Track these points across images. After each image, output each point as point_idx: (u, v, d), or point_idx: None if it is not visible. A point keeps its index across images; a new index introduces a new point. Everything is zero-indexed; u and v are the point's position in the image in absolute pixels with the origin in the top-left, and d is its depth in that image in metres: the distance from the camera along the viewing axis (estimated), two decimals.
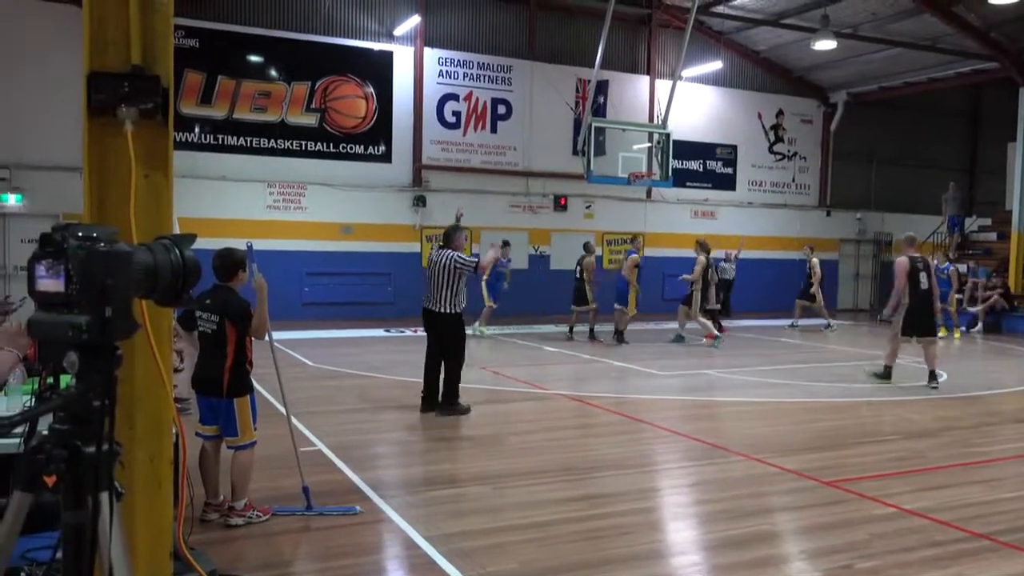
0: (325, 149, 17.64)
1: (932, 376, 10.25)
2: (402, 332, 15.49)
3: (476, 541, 4.59)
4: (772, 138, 22.97)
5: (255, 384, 5.15)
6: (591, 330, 14.97)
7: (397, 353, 12.73)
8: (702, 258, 14.62)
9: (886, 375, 10.43)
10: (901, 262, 10.39)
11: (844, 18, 18.41)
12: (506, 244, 15.47)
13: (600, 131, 16.91)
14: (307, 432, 6.97)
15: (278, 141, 17.22)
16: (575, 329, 15.17)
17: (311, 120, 17.47)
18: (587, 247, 15.30)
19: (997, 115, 22.69)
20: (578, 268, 15.21)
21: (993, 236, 21.85)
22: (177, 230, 3.43)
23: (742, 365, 12.17)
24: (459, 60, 18.83)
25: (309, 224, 17.47)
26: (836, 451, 6.89)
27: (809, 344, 15.26)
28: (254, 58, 17.09)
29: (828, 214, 23.78)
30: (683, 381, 10.68)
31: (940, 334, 13.69)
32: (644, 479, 6.07)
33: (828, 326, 17.36)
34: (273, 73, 17.18)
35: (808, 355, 13.79)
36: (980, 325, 18.09)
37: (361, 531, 4.76)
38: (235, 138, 16.91)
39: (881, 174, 24.54)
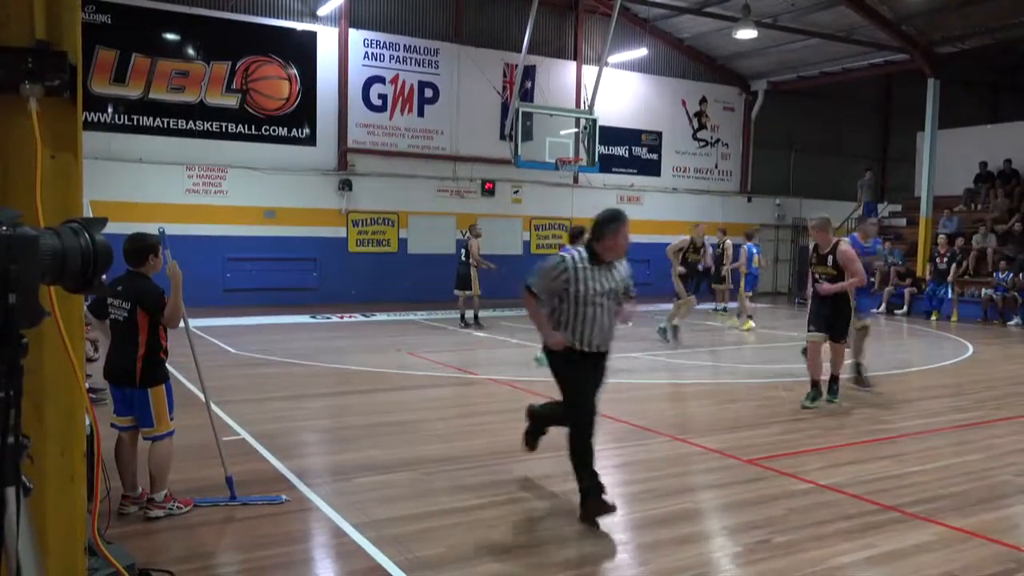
0: (247, 131, 17.19)
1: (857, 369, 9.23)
2: (328, 318, 15.28)
3: (404, 527, 4.57)
4: (696, 125, 23.41)
5: (173, 372, 5.00)
6: (475, 316, 14.74)
7: (323, 340, 12.56)
8: (728, 241, 15.67)
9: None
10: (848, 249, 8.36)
11: (765, 8, 18.85)
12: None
13: (527, 116, 16.94)
14: (230, 421, 6.82)
15: (197, 122, 16.70)
16: (467, 316, 14.73)
17: (232, 101, 16.99)
18: (472, 230, 14.83)
19: (907, 105, 23.63)
20: (463, 252, 14.64)
21: (903, 222, 22.79)
22: (89, 214, 3.30)
23: (668, 348, 12.41)
24: (385, 42, 18.57)
25: (230, 208, 17.03)
26: (755, 430, 7.11)
27: (729, 327, 15.64)
28: (171, 36, 16.50)
29: (749, 200, 24.41)
30: (611, 364, 10.81)
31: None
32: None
33: (724, 310, 17.42)
34: (191, 52, 16.63)
35: (731, 337, 14.16)
36: (883, 306, 18.81)
37: (287, 520, 4.69)
38: (151, 119, 16.33)
39: (799, 161, 25.31)
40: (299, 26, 17.60)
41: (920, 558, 4.27)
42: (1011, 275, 17.31)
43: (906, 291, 18.97)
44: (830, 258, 7.95)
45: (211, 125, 16.86)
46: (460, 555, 4.20)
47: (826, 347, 8.16)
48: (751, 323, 15.09)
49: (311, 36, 17.74)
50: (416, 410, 7.78)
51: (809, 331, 8.29)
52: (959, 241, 19.17)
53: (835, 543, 4.44)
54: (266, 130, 17.41)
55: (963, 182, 21.62)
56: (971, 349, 13.00)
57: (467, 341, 12.68)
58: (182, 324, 4.78)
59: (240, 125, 17.13)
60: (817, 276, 8.10)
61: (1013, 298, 17.12)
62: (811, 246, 8.30)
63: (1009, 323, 16.90)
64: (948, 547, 4.42)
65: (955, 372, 10.88)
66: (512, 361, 10.97)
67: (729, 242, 18.05)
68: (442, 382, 9.31)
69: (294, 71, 17.58)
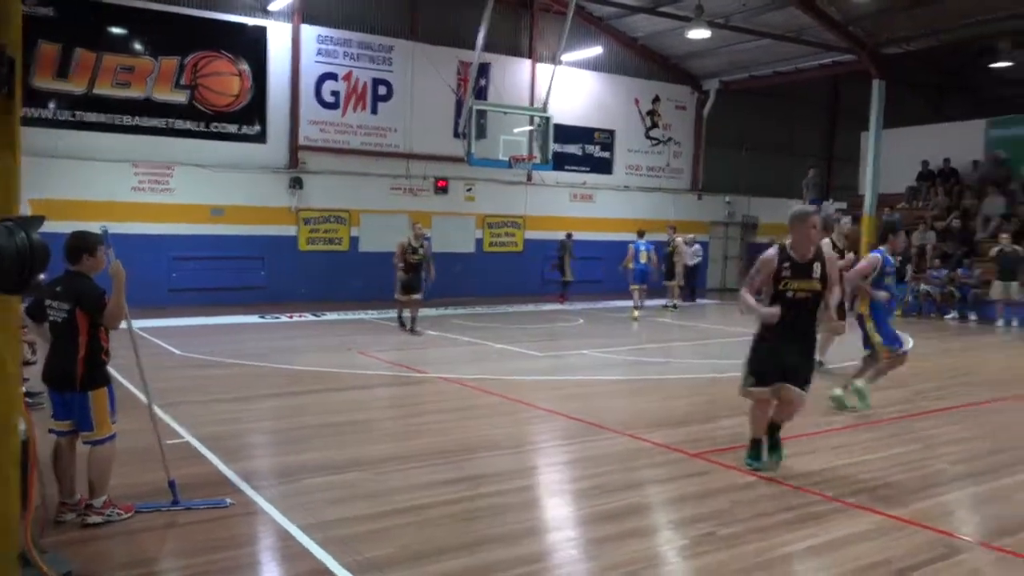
0: (195, 128, 16.87)
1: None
2: (277, 318, 15.10)
3: (353, 528, 4.55)
4: (648, 123, 23.63)
5: (114, 374, 4.91)
6: (412, 320, 13.25)
7: (272, 340, 12.40)
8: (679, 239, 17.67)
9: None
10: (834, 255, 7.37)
11: (717, 8, 19.09)
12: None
13: (481, 114, 16.93)
14: (174, 424, 6.71)
15: (144, 119, 16.33)
16: (405, 316, 13.54)
17: (180, 97, 16.66)
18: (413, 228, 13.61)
19: (854, 105, 24.15)
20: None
21: (848, 218, 23.24)
22: (28, 213, 3.21)
23: (618, 344, 12.54)
24: (338, 38, 18.38)
25: (177, 206, 16.71)
26: (702, 424, 7.22)
27: (680, 323, 15.86)
28: (117, 30, 16.10)
29: (700, 198, 24.71)
30: (561, 361, 10.90)
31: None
32: (521, 459, 6.17)
33: (674, 307, 18.03)
34: (138, 47, 16.25)
35: (680, 333, 14.34)
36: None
37: (232, 524, 4.63)
38: (96, 115, 15.92)
39: (749, 160, 25.72)
40: (250, 21, 17.33)
41: (859, 546, 4.38)
42: (947, 271, 17.83)
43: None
44: (816, 267, 5.56)
45: (158, 122, 16.50)
46: (410, 555, 4.19)
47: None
48: (636, 313, 16.06)
49: (262, 31, 17.48)
50: (366, 410, 7.75)
51: (749, 383, 5.75)
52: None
53: (777, 534, 4.54)
54: (215, 127, 17.10)
55: (906, 180, 22.19)
56: (911, 342, 13.35)
57: (418, 340, 12.63)
58: (124, 325, 4.68)
59: (188, 122, 16.81)
60: (792, 293, 5.53)
61: (951, 293, 17.63)
62: (774, 252, 5.71)
63: (946, 317, 17.41)
64: (885, 535, 4.55)
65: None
66: (463, 359, 10.97)
67: (680, 239, 18.39)
68: (393, 381, 9.27)
69: (245, 67, 17.31)
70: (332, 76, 18.38)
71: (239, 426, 6.98)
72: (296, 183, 17.93)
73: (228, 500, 4.93)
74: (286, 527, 4.55)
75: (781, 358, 5.61)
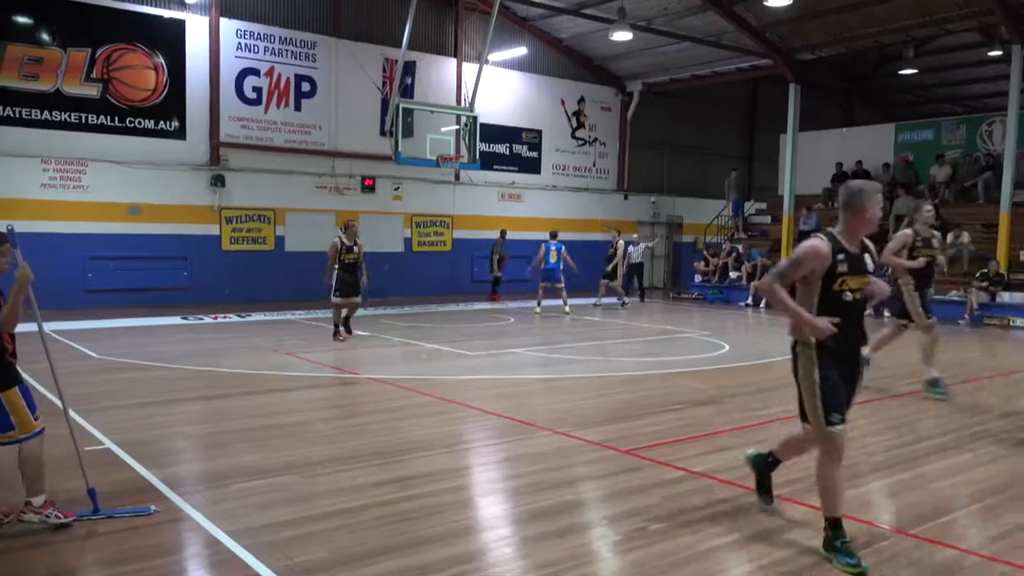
0: (109, 123, 16.27)
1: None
2: (201, 319, 14.69)
3: (283, 532, 4.46)
4: (574, 124, 23.89)
5: (28, 379, 4.68)
6: (347, 320, 12.47)
7: (195, 342, 12.06)
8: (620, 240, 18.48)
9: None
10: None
11: (639, 11, 19.43)
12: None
13: (408, 112, 16.85)
14: (93, 430, 6.45)
15: (53, 113, 15.68)
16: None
17: (92, 91, 16.05)
18: (345, 226, 12.71)
19: (771, 108, 24.93)
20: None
21: (768, 219, 24.01)
22: None
23: (548, 343, 12.63)
24: (259, 33, 17.99)
25: (91, 204, 16.10)
26: (633, 421, 7.33)
27: (609, 321, 16.07)
28: (22, 19, 15.41)
29: (626, 197, 25.11)
30: (492, 360, 10.91)
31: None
32: (454, 458, 6.15)
33: (623, 304, 18.51)
34: (45, 37, 15.58)
35: (608, 331, 14.53)
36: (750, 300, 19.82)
37: (156, 532, 4.48)
38: (1, 108, 15.20)
39: (673, 160, 26.27)
40: (166, 13, 16.80)
41: (785, 536, 4.52)
42: None
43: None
44: (867, 259, 4.40)
45: (69, 116, 15.86)
46: (342, 558, 4.13)
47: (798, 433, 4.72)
48: (539, 308, 16.78)
49: (179, 24, 16.97)
50: (296, 412, 7.59)
51: (835, 421, 4.21)
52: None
53: (707, 527, 4.64)
54: (131, 122, 16.53)
55: (822, 182, 22.99)
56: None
57: (347, 340, 12.46)
58: (34, 327, 4.48)
59: (102, 116, 16.20)
60: (850, 295, 4.31)
61: None
62: (823, 242, 4.30)
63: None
64: (811, 525, 4.69)
65: None
66: (393, 359, 10.88)
67: (621, 241, 18.84)
68: (322, 382, 9.12)
69: (161, 60, 16.77)
70: (253, 72, 17.98)
71: (162, 431, 6.76)
72: (218, 181, 17.47)
73: (152, 507, 4.77)
74: (213, 533, 4.42)
75: (849, 383, 4.30)
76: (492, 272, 19.72)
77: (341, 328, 12.34)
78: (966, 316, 16.81)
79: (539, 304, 16.81)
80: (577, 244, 23.42)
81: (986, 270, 17.06)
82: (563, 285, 16.72)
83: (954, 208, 19.95)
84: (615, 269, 18.56)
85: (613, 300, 18.76)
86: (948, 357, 12.32)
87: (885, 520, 4.92)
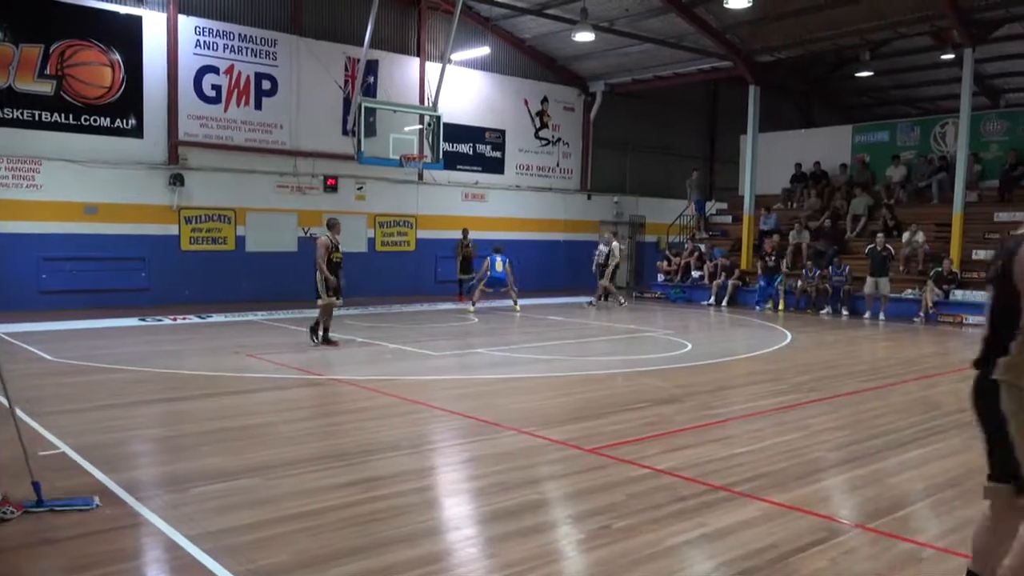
0: (64, 121, 15.92)
1: None
2: (160, 321, 14.44)
3: (245, 536, 4.40)
4: (538, 124, 23.94)
5: None
6: (325, 329, 11.82)
7: (154, 343, 11.85)
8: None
9: None
10: None
11: (601, 12, 19.53)
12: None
13: (370, 112, 16.73)
14: (47, 434, 6.30)
15: (5, 110, 15.30)
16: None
17: (46, 88, 15.68)
18: (330, 224, 12.23)
19: (732, 109, 25.21)
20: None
21: (729, 219, 24.30)
22: None
23: (512, 342, 12.65)
24: (218, 31, 17.74)
25: (45, 204, 15.74)
26: (597, 420, 7.36)
27: (573, 320, 16.13)
28: None
29: (589, 198, 25.23)
30: (456, 360, 10.89)
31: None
32: (419, 459, 6.13)
33: (621, 303, 19.30)
34: None
35: (572, 331, 14.58)
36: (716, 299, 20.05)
37: (114, 537, 4.39)
38: None
39: (635, 160, 26.45)
40: (122, 9, 16.48)
41: (746, 533, 4.57)
42: (818, 270, 18.87)
43: (730, 283, 20.22)
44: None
45: (21, 113, 15.48)
46: (306, 560, 4.09)
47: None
48: (472, 308, 17.18)
49: (136, 20, 16.65)
50: (258, 414, 7.51)
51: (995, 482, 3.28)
52: (775, 237, 20.69)
53: (670, 524, 4.68)
54: (86, 120, 16.19)
55: (781, 182, 23.33)
56: (789, 337, 14.06)
57: (308, 341, 12.34)
58: None
59: (56, 114, 15.84)
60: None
61: (825, 289, 18.67)
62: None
63: (821, 312, 18.41)
64: (771, 521, 4.76)
65: (775, 359, 11.73)
66: (357, 360, 10.81)
67: (616, 243, 19.52)
68: (285, 384, 9.02)
69: (117, 57, 16.45)
70: (213, 69, 17.72)
71: (120, 434, 6.63)
72: (176, 180, 17.19)
73: (96, 500, 4.76)
74: (173, 538, 4.35)
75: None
76: (458, 274, 19.60)
77: (314, 335, 11.68)
78: (921, 314, 17.19)
79: (474, 304, 17.26)
80: (540, 244, 23.54)
81: (940, 269, 17.45)
82: (509, 288, 17.23)
83: (909, 208, 20.37)
84: (615, 271, 19.36)
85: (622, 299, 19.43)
86: (904, 354, 12.60)
87: (845, 515, 5.01)
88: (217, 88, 17.80)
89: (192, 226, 17.64)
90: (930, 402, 8.71)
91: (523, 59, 23.31)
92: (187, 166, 17.44)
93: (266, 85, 18.50)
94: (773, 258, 19.73)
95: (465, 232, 19.63)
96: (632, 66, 23.40)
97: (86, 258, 16.14)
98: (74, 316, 14.48)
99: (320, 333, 11.73)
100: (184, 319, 14.74)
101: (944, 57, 21.49)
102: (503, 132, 23.00)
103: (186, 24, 17.25)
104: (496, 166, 22.98)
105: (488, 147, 22.75)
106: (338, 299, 11.80)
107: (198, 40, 17.48)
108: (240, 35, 18.03)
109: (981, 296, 17.03)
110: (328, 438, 6.57)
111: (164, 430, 6.97)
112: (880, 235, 18.03)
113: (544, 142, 24.12)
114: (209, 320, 14.73)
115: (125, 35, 16.51)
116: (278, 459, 5.88)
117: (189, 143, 17.44)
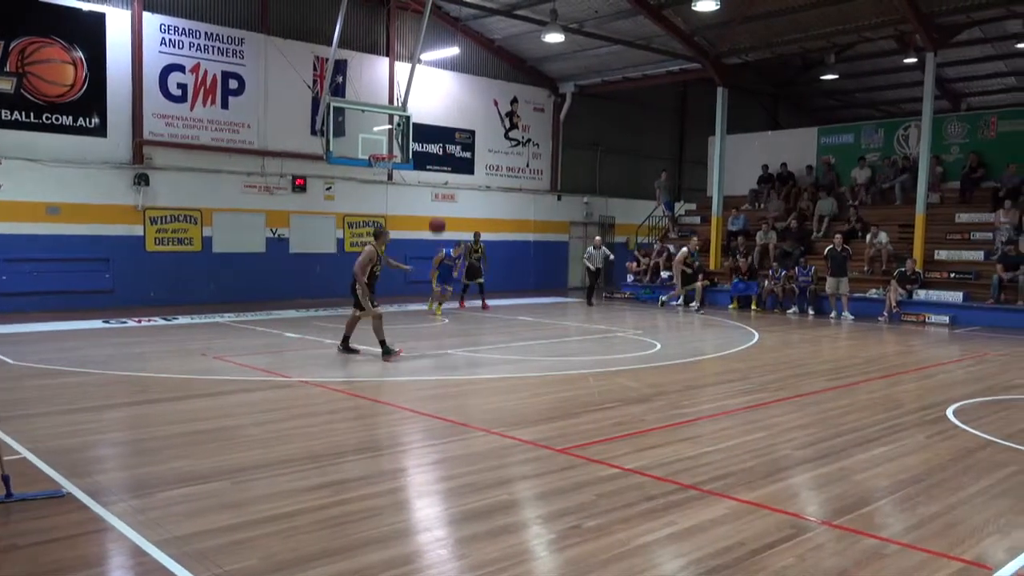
0: (24, 119, 15.62)
1: None
2: (124, 323, 14.22)
3: (213, 540, 4.35)
4: (507, 125, 23.96)
5: None
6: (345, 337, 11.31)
7: (119, 346, 11.67)
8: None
9: None
10: None
11: (571, 14, 19.60)
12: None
13: (339, 112, 16.66)
14: (8, 439, 6.18)
15: None
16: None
17: (5, 85, 15.39)
18: (377, 233, 11.47)
19: (700, 111, 25.45)
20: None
21: (698, 219, 24.50)
22: None
23: (483, 343, 12.64)
24: (184, 28, 17.52)
25: (6, 204, 15.44)
26: (567, 420, 7.39)
27: (543, 321, 16.15)
28: None
29: (559, 198, 25.30)
30: (426, 362, 10.86)
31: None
32: (389, 461, 6.11)
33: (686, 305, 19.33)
34: None
35: (543, 331, 14.60)
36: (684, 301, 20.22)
37: (78, 543, 4.32)
38: None
39: (605, 161, 26.58)
40: (85, 6, 16.21)
41: (715, 531, 4.61)
42: (784, 271, 19.10)
43: (698, 284, 20.35)
44: None
45: None
46: (275, 564, 4.05)
47: None
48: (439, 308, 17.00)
49: (99, 18, 16.39)
50: (226, 417, 7.42)
51: None
52: (741, 238, 20.93)
53: (640, 523, 4.71)
54: (48, 118, 15.90)
55: (749, 183, 23.58)
56: (757, 336, 14.22)
57: (277, 343, 12.25)
58: None
59: (16, 112, 15.54)
60: None
61: (792, 289, 18.90)
62: None
63: (788, 312, 18.64)
64: (739, 519, 4.81)
65: (743, 358, 11.85)
66: (326, 362, 10.73)
67: (685, 248, 19.53)
68: (253, 386, 8.93)
69: (80, 55, 16.18)
70: (178, 68, 17.50)
71: (84, 439, 6.52)
72: (141, 180, 16.95)
73: (63, 490, 4.88)
74: (139, 543, 4.28)
75: None
76: (464, 279, 18.14)
77: (341, 346, 11.15)
78: (885, 313, 17.47)
79: (437, 304, 17.11)
80: (511, 244, 23.54)
81: (903, 269, 17.75)
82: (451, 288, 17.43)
83: (873, 209, 20.70)
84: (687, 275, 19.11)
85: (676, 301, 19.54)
86: (868, 352, 12.79)
87: (811, 512, 5.08)
88: (183, 87, 17.58)
89: (157, 227, 17.40)
90: (894, 400, 8.86)
91: (493, 60, 23.31)
92: (152, 166, 17.20)
93: (233, 84, 18.30)
94: (749, 259, 19.90)
95: (477, 235, 18.57)
96: (601, 67, 23.51)
97: (48, 259, 15.85)
98: (36, 318, 14.22)
99: (386, 344, 10.75)
100: (149, 321, 14.54)
101: (907, 61, 21.89)
102: (473, 132, 22.98)
103: (151, 22, 17.02)
104: (466, 166, 22.96)
105: (458, 147, 22.72)
106: (368, 308, 10.83)
107: (163, 38, 17.25)
108: (206, 33, 17.83)
109: (943, 296, 17.38)
110: (298, 441, 6.51)
111: (129, 434, 6.87)
112: (838, 236, 18.30)
113: (514, 143, 24.15)
114: (175, 322, 14.54)
115: (88, 32, 16.25)
116: (247, 462, 5.83)
117: (154, 142, 17.21)
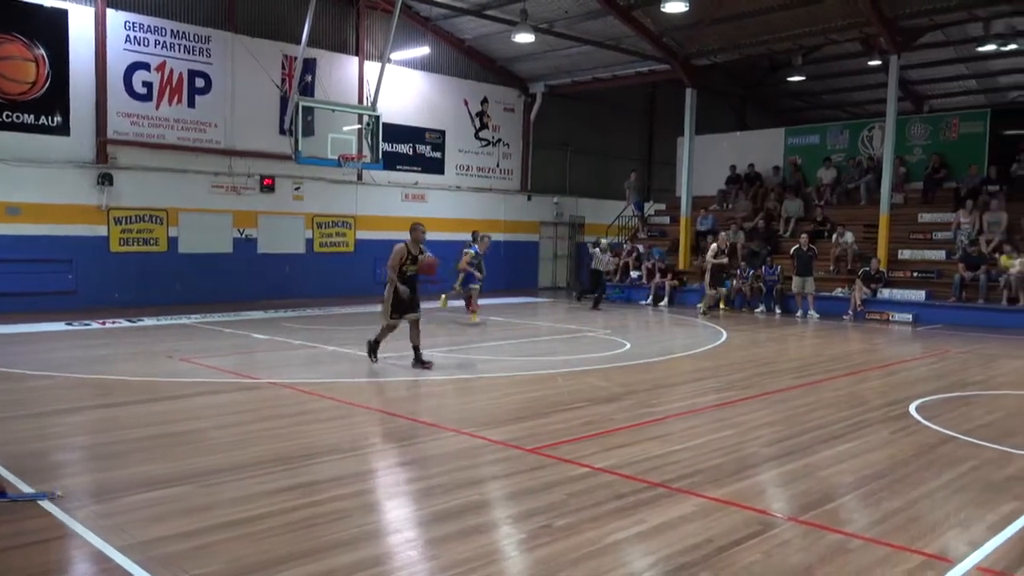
0: None
1: None
2: (87, 325, 13.98)
3: (178, 545, 4.29)
4: (478, 124, 23.94)
5: None
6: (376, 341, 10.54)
7: (82, 348, 11.48)
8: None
9: None
10: None
11: (541, 14, 19.64)
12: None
13: (308, 111, 16.52)
14: None
15: None
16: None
17: None
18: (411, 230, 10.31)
19: (669, 112, 25.63)
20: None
21: (667, 220, 24.68)
22: None
23: (453, 344, 12.61)
24: (149, 26, 17.27)
25: None
26: (538, 420, 7.40)
27: (514, 321, 16.17)
28: None
29: (529, 198, 25.34)
30: (396, 362, 10.81)
31: None
32: (359, 462, 6.07)
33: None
34: None
35: (513, 331, 14.62)
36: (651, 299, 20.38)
37: (39, 551, 4.23)
38: None
39: (575, 162, 26.67)
40: (47, 2, 15.90)
41: (684, 528, 4.65)
42: (752, 270, 19.31)
43: (667, 284, 20.53)
44: None
45: None
46: (241, 569, 4.01)
47: None
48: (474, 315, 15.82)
49: (62, 14, 16.10)
50: (193, 419, 7.33)
51: None
52: (710, 237, 21.10)
53: (610, 522, 4.73)
54: (8, 116, 15.57)
55: (717, 184, 23.80)
56: (725, 335, 14.35)
57: (245, 344, 12.12)
58: None
59: None
60: None
61: (759, 288, 19.11)
62: None
63: (756, 310, 18.85)
64: (707, 516, 4.86)
65: (712, 356, 11.96)
66: (294, 363, 10.65)
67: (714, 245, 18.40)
68: (220, 388, 8.83)
69: (42, 52, 15.87)
70: (144, 66, 17.26)
71: (46, 443, 6.40)
72: (105, 179, 16.68)
73: (58, 491, 4.87)
74: (102, 549, 4.21)
75: None
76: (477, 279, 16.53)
77: (372, 355, 10.37)
78: (850, 312, 17.73)
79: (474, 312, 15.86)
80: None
81: (867, 268, 18.03)
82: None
83: (838, 209, 20.99)
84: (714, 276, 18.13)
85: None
86: (833, 350, 12.97)
87: (777, 508, 5.14)
88: (148, 85, 17.34)
89: (122, 227, 17.13)
90: (858, 397, 8.99)
91: (463, 59, 23.28)
92: (117, 165, 16.93)
93: (200, 83, 18.08)
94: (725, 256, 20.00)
95: (475, 235, 17.65)
96: (571, 68, 23.59)
97: (9, 260, 15.53)
98: None
99: (376, 349, 10.37)
100: (114, 323, 14.32)
101: (871, 63, 22.23)
102: (443, 132, 22.94)
103: (115, 19, 16.75)
104: (436, 166, 22.91)
105: (428, 147, 22.66)
106: (413, 313, 10.15)
107: (128, 36, 16.99)
108: (172, 31, 17.59)
109: (906, 295, 17.68)
110: (266, 443, 6.45)
111: (93, 438, 6.76)
112: (804, 236, 18.54)
113: (484, 143, 24.14)
114: (140, 324, 14.34)
115: (50, 29, 15.95)
116: (214, 465, 5.76)
117: (119, 141, 16.94)
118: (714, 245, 18.25)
